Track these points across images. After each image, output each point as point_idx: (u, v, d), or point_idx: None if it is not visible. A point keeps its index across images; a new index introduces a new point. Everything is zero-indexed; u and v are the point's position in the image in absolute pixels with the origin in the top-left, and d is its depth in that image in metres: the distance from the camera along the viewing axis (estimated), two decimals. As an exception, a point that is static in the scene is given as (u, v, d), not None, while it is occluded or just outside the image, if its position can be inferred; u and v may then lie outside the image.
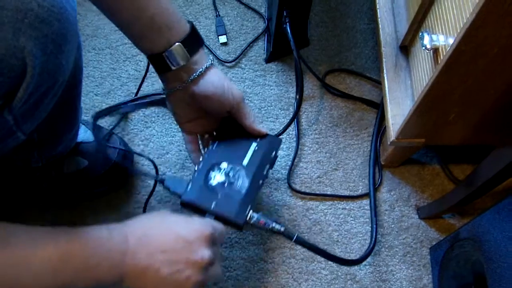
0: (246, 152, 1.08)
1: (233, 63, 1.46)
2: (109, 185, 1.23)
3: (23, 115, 0.83)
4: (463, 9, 0.85)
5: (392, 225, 1.26)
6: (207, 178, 1.05)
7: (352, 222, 1.26)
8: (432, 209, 1.25)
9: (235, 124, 1.09)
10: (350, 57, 1.49)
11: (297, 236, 1.01)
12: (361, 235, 1.25)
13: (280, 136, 1.30)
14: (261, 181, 1.06)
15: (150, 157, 1.29)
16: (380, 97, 1.40)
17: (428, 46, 0.98)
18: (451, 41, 0.90)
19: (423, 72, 1.07)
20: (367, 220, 1.27)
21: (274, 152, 1.09)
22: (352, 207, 1.28)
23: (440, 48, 0.97)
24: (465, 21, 0.83)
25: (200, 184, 1.04)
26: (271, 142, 1.10)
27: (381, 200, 1.29)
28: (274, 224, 1.01)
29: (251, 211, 1.01)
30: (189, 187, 1.03)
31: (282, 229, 1.01)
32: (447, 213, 1.27)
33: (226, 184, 1.04)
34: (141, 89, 1.38)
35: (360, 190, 1.30)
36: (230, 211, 1.00)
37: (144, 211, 1.23)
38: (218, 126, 1.11)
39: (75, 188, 1.22)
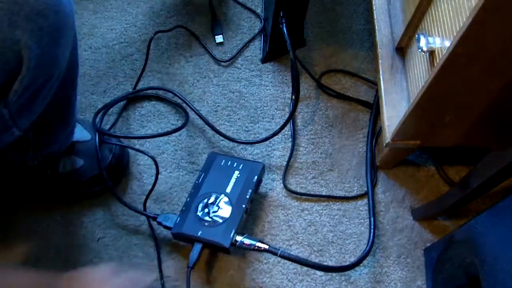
0: (229, 180, 1.21)
1: (229, 62, 1.46)
2: (104, 184, 1.23)
3: (19, 109, 0.83)
4: (459, 12, 0.85)
5: (387, 226, 1.26)
6: (194, 209, 1.18)
7: (347, 223, 1.26)
8: (427, 210, 1.25)
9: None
10: (346, 58, 1.49)
11: (281, 251, 1.13)
12: (356, 236, 1.25)
13: (276, 137, 1.31)
14: (244, 205, 1.18)
15: (146, 155, 1.30)
16: (376, 98, 1.40)
17: (424, 49, 0.98)
18: (447, 43, 0.90)
19: (419, 74, 1.08)
20: (362, 221, 1.27)
21: (256, 177, 1.21)
22: (347, 208, 1.28)
23: (436, 51, 0.97)
24: (461, 24, 0.83)
25: (188, 215, 1.17)
26: (253, 168, 1.23)
27: (376, 201, 1.29)
28: (258, 244, 1.13)
29: (236, 234, 1.14)
30: (177, 220, 1.17)
31: (267, 247, 1.13)
32: (441, 215, 1.28)
33: (211, 212, 1.16)
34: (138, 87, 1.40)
35: (355, 191, 1.30)
36: (215, 236, 1.13)
37: (145, 209, 1.24)
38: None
39: (70, 187, 1.22)
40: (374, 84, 1.43)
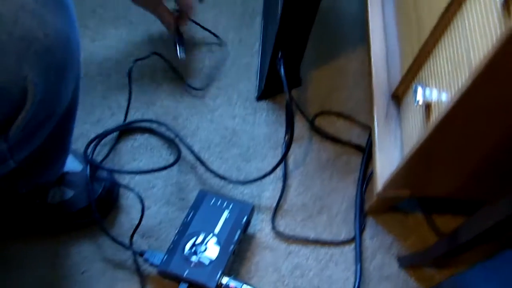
0: (218, 220, 1.21)
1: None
2: (93, 216, 1.22)
3: (18, 143, 0.83)
4: (458, 68, 0.86)
5: (373, 273, 1.26)
6: (181, 248, 1.18)
7: (334, 267, 1.26)
8: (414, 260, 1.25)
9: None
10: (341, 98, 1.49)
11: None
12: (341, 282, 1.24)
13: (268, 177, 1.31)
14: (232, 247, 1.17)
15: (135, 190, 1.29)
16: (368, 144, 1.40)
17: (420, 102, 0.98)
18: (444, 97, 0.90)
19: (414, 126, 1.08)
20: (348, 266, 1.26)
21: (245, 218, 1.21)
22: (334, 253, 1.28)
23: (432, 105, 0.97)
24: (460, 80, 0.84)
25: (175, 254, 1.17)
26: (243, 209, 1.23)
27: (363, 246, 1.29)
28: (244, 287, 1.14)
29: (222, 275, 1.13)
30: (165, 257, 1.16)
31: None
32: (428, 265, 1.27)
33: (198, 252, 1.16)
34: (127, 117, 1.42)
35: (343, 236, 1.30)
36: (201, 277, 1.13)
37: (131, 244, 1.23)
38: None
39: (58, 217, 1.21)
40: (367, 127, 1.43)
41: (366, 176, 1.37)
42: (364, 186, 1.36)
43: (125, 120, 1.40)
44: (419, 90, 0.99)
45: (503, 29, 0.72)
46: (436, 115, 0.92)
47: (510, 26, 0.70)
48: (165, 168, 1.28)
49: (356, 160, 1.40)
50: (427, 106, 0.99)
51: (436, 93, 0.96)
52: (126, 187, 1.29)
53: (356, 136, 1.43)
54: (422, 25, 1.07)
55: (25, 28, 0.72)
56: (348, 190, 1.36)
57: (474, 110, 0.85)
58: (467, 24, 0.86)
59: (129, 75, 1.46)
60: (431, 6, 1.02)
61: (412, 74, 1.14)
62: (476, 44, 0.81)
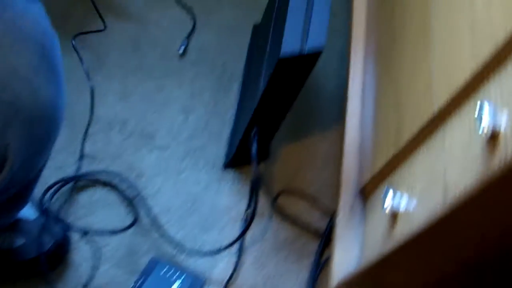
0: None
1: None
2: (40, 268, 1.18)
3: None
4: (432, 184, 0.85)
5: None
6: None
7: None
8: None
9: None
10: (307, 178, 1.48)
11: None
12: None
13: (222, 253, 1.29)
14: None
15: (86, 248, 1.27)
16: (326, 231, 1.38)
17: (388, 210, 0.97)
18: (413, 209, 0.89)
19: (377, 230, 1.06)
20: None
21: None
22: None
23: (399, 215, 0.96)
24: (432, 198, 0.83)
25: None
26: (194, 282, 1.21)
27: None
28: None
29: None
30: None
31: None
32: None
33: None
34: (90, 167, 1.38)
35: (289, 323, 1.28)
36: None
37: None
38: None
39: (4, 264, 1.17)
40: (329, 212, 1.42)
41: (320, 263, 1.36)
42: (318, 272, 1.34)
43: (77, 171, 1.37)
44: (389, 194, 0.97)
45: (484, 167, 0.71)
46: (401, 229, 0.92)
47: (492, 167, 0.69)
48: (119, 231, 1.27)
49: (313, 244, 1.38)
50: (394, 215, 0.98)
51: (405, 202, 0.94)
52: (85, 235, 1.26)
53: (317, 218, 1.42)
54: (401, 130, 1.05)
55: (14, 95, 0.70)
56: (301, 273, 1.34)
57: (442, 235, 0.84)
58: (447, 143, 0.85)
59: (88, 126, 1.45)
60: (414, 113, 1.01)
61: (382, 176, 1.13)
62: (454, 167, 0.80)
